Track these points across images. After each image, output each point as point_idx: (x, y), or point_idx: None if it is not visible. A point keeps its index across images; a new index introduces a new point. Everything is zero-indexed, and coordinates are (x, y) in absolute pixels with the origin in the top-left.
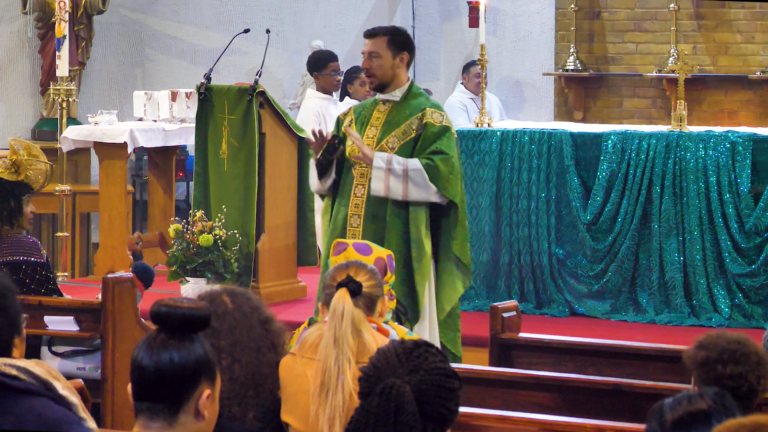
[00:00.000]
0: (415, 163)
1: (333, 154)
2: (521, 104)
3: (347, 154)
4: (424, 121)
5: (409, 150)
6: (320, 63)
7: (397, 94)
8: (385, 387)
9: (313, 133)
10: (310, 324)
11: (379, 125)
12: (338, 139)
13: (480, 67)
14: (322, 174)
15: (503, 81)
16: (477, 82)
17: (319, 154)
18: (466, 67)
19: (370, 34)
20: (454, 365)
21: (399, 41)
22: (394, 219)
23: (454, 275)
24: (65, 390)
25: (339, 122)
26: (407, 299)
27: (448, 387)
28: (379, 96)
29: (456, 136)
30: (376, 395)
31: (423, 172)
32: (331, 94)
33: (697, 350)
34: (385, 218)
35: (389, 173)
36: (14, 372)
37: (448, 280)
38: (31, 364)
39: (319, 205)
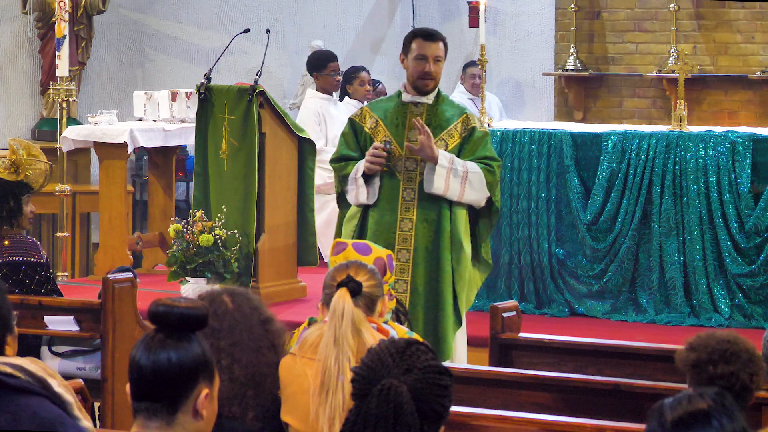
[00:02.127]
0: (473, 166)
1: (391, 160)
2: (521, 104)
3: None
4: (470, 126)
5: (455, 154)
6: (320, 63)
7: (430, 98)
8: (383, 388)
9: (384, 150)
10: (310, 324)
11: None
12: (389, 143)
13: (479, 67)
14: (369, 181)
15: (503, 81)
16: (473, 82)
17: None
18: (464, 68)
19: (433, 37)
20: (453, 365)
21: (447, 45)
22: (445, 221)
23: (476, 275)
24: (60, 388)
25: (355, 124)
26: (454, 304)
27: (442, 384)
28: (411, 98)
29: None
30: (374, 396)
31: (482, 176)
32: (331, 94)
33: (688, 352)
34: (436, 220)
35: (451, 172)
36: (10, 370)
37: (471, 281)
38: (26, 362)
39: (318, 205)
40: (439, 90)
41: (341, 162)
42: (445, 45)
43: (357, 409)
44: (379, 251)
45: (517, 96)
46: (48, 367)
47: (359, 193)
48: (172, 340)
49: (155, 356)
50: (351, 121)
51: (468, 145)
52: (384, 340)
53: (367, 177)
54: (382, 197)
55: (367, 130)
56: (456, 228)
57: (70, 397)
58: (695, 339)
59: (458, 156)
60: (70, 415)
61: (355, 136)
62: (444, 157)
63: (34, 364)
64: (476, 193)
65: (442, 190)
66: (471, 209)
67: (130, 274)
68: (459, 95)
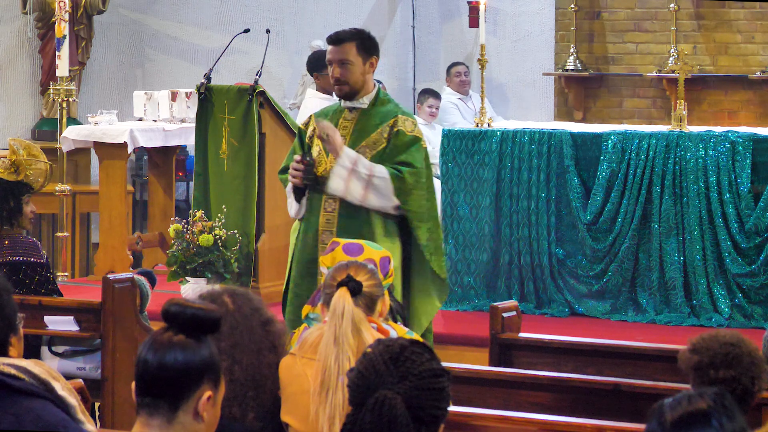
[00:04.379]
0: (382, 170)
1: (312, 173)
2: (521, 104)
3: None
4: (396, 129)
5: (378, 159)
6: (320, 63)
7: (365, 102)
8: (377, 402)
9: (303, 162)
10: (309, 324)
11: (348, 134)
12: (309, 156)
13: (464, 65)
14: (300, 196)
15: (503, 81)
16: (458, 81)
17: (303, 179)
18: (448, 69)
19: (337, 40)
20: (454, 365)
21: (368, 46)
22: (367, 231)
23: (429, 290)
24: (64, 391)
25: (302, 132)
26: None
27: (438, 388)
28: (345, 103)
29: (426, 147)
30: (368, 410)
31: (389, 182)
32: (331, 94)
33: (691, 354)
34: (358, 231)
35: (352, 174)
36: (14, 371)
37: (424, 296)
38: (30, 364)
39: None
40: (380, 91)
41: (285, 173)
42: (360, 44)
43: (353, 417)
44: (372, 253)
45: (517, 96)
46: (52, 370)
47: (291, 207)
48: (181, 339)
49: (162, 353)
50: (299, 130)
51: (390, 149)
52: (380, 340)
53: (301, 191)
54: (308, 209)
55: (306, 139)
56: (372, 238)
57: (73, 400)
58: (698, 340)
59: (380, 160)
60: (74, 418)
61: (302, 144)
62: (347, 157)
63: (39, 366)
64: (382, 199)
65: (340, 191)
66: (404, 219)
67: (136, 276)
68: (447, 96)
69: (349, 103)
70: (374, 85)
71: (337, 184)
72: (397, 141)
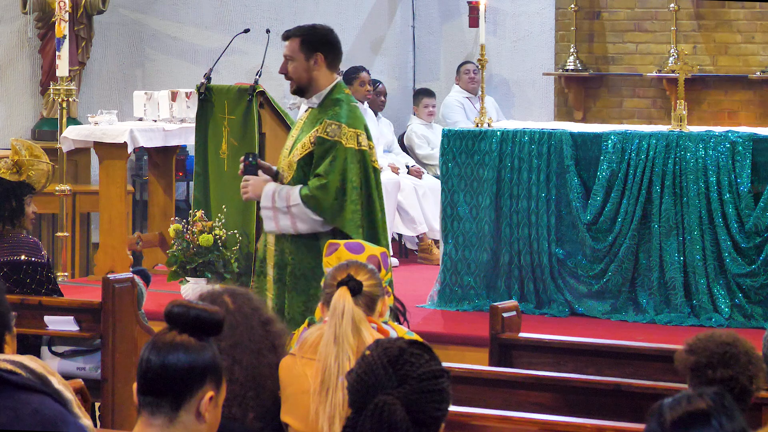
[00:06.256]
0: (295, 197)
1: (254, 172)
2: (521, 104)
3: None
4: (318, 134)
5: (308, 162)
6: None
7: (314, 101)
8: (376, 408)
9: (243, 162)
10: (309, 324)
11: (296, 134)
12: (252, 155)
13: (472, 64)
14: None
15: (503, 81)
16: (467, 78)
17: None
18: (458, 68)
19: (285, 36)
20: (453, 365)
21: (312, 42)
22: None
23: None
24: (60, 385)
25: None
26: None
27: (438, 389)
28: (305, 101)
29: (353, 148)
30: (368, 416)
31: (302, 207)
32: None
33: (687, 355)
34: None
35: (276, 211)
36: (10, 367)
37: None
38: (25, 359)
39: None
40: (334, 89)
41: None
42: (303, 41)
43: (352, 421)
44: (373, 249)
45: (517, 96)
46: (47, 365)
47: None
48: (185, 340)
49: (165, 353)
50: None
51: (315, 158)
52: (378, 342)
53: None
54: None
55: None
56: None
57: (69, 395)
58: (694, 341)
59: (312, 168)
60: (71, 413)
61: None
62: (266, 197)
63: (34, 362)
64: (306, 223)
65: (276, 230)
66: None
67: (133, 275)
68: (455, 94)
69: (308, 101)
70: (331, 81)
71: (269, 226)
72: (317, 150)
